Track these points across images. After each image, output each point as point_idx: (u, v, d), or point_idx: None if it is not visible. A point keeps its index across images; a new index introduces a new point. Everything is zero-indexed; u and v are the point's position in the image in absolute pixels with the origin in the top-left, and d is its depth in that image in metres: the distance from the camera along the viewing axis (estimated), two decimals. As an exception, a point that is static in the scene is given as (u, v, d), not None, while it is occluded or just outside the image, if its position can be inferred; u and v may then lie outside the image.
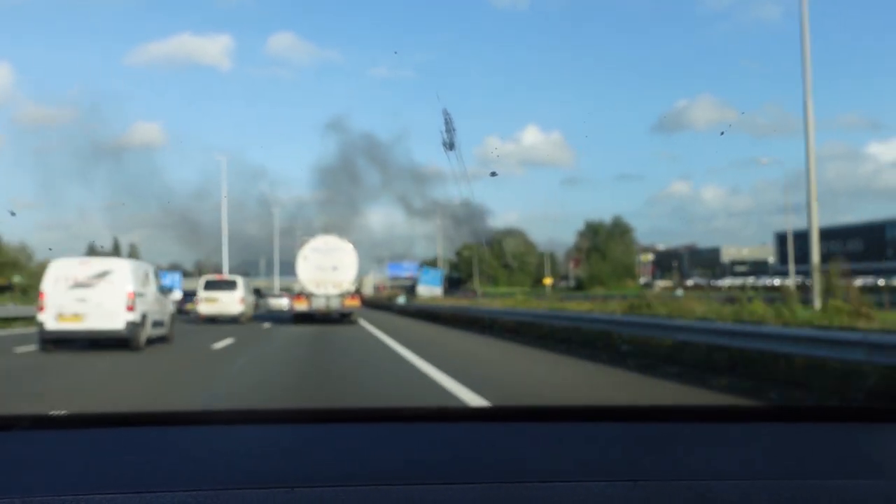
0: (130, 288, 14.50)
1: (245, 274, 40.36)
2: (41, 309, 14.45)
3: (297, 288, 26.82)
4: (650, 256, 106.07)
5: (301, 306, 24.66)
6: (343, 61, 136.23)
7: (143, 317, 14.88)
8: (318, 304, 24.35)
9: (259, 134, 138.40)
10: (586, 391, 9.02)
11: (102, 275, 14.55)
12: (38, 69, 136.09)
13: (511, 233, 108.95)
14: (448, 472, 1.26)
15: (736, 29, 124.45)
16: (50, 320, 14.30)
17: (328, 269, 24.41)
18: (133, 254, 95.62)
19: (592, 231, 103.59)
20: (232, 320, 26.46)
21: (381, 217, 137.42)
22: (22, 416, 1.56)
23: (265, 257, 77.27)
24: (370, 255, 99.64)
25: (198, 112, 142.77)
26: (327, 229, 27.22)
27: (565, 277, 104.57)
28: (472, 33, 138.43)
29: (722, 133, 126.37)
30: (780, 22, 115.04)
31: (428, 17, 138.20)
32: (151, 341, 15.56)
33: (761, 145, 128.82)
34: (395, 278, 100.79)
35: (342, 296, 24.47)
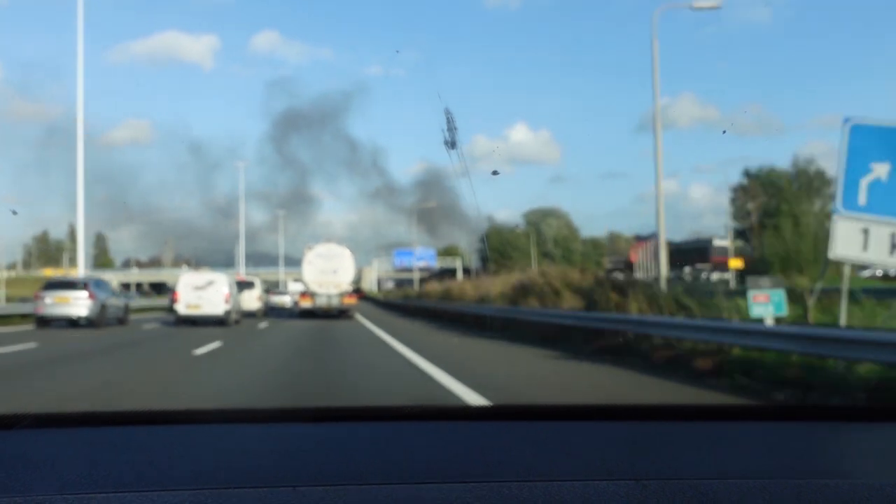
0: (226, 290, 24.28)
1: (217, 266, 46.50)
2: (176, 301, 24.44)
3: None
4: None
5: (306, 304, 29.34)
6: (335, 60, 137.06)
7: (232, 307, 24.49)
8: (321, 302, 28.90)
9: (236, 130, 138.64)
10: None
11: (211, 282, 24.38)
12: (16, 65, 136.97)
13: (552, 213, 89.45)
14: (449, 471, 1.27)
15: (721, 31, 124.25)
16: (182, 308, 24.19)
17: (329, 273, 28.98)
18: (100, 244, 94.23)
19: (768, 184, 62.88)
20: (250, 314, 30.79)
21: (368, 212, 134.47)
22: (23, 415, 1.57)
23: (235, 247, 75.66)
24: (368, 245, 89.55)
25: (181, 110, 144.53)
26: (328, 238, 32.29)
27: (626, 267, 67.78)
28: (462, 33, 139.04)
29: (724, 132, 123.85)
30: (765, 24, 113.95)
31: (417, 17, 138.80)
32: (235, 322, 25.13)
33: (743, 145, 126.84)
34: (404, 269, 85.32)
35: (341, 295, 29.02)
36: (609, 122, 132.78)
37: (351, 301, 29.23)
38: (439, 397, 7.94)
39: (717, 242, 60.31)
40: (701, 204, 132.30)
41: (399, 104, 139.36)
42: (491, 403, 6.83)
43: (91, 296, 22.57)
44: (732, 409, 1.99)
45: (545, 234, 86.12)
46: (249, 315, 30.11)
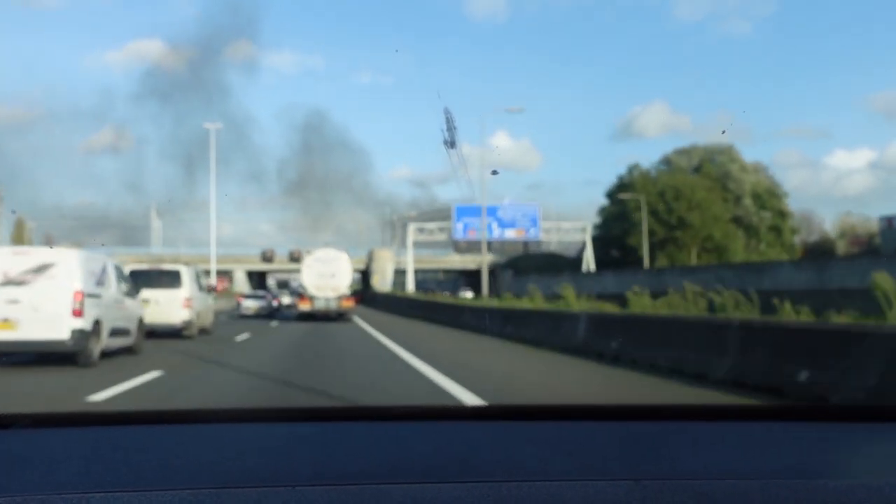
0: (79, 286, 11.16)
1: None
2: None
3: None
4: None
5: (305, 307, 30.04)
6: (323, 66, 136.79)
7: (97, 323, 11.46)
8: (319, 305, 29.68)
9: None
10: None
11: (42, 269, 11.18)
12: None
13: (727, 153, 55.16)
14: (448, 470, 1.28)
15: (704, 42, 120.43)
16: None
17: (327, 277, 29.88)
18: (19, 228, 64.71)
19: None
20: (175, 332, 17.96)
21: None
22: (21, 415, 1.58)
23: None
24: (380, 206, 72.25)
25: (162, 115, 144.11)
26: (327, 243, 33.23)
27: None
28: (448, 43, 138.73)
29: (723, 132, 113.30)
30: (744, 37, 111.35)
31: (406, 23, 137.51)
32: (109, 354, 12.04)
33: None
34: (474, 243, 46.92)
35: (339, 298, 29.92)
36: (587, 131, 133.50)
37: (348, 304, 30.50)
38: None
39: None
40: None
41: (389, 108, 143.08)
42: (489, 404, 6.99)
43: None
44: (732, 409, 2.02)
45: (741, 183, 52.84)
46: (173, 332, 17.65)
